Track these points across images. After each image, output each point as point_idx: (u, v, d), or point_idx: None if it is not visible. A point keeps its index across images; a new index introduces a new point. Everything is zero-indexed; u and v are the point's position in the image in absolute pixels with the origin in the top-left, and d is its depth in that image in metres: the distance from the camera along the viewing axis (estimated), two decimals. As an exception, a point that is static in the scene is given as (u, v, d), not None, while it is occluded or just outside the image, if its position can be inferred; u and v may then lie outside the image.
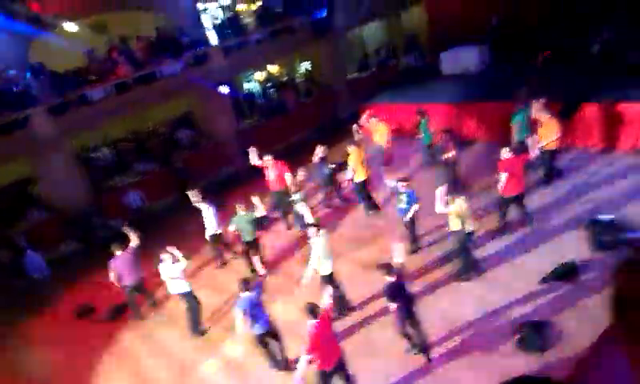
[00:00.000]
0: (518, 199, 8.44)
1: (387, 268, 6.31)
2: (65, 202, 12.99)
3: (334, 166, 11.45)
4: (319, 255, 7.38)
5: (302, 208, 9.93)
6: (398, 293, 6.29)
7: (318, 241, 7.38)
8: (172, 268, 8.06)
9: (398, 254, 6.49)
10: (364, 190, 10.63)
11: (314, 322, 5.61)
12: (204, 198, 10.06)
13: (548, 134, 9.22)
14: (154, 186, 14.23)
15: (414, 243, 8.82)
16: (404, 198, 8.47)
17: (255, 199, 9.32)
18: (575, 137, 10.74)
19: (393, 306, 6.28)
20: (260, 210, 9.22)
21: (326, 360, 5.69)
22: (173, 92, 14.74)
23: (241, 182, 14.24)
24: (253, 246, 9.37)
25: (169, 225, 13.06)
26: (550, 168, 9.72)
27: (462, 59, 15.67)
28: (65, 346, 9.35)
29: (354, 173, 10.43)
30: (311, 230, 7.54)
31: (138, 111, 14.69)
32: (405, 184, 8.42)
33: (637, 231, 7.39)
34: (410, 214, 8.48)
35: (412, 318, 6.44)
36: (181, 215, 12.94)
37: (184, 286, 8.22)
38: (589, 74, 11.56)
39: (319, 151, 11.06)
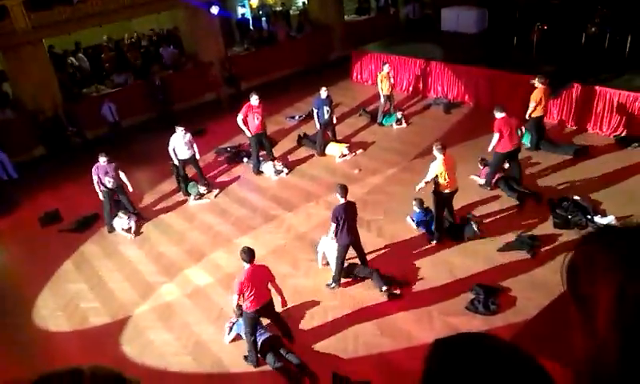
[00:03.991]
0: (512, 155, 8.59)
1: (343, 190, 6.56)
2: (37, 105, 12.50)
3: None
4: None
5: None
6: (342, 214, 6.51)
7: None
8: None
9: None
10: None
11: (247, 266, 5.67)
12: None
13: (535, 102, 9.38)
14: (129, 100, 13.71)
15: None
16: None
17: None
18: (557, 112, 10.88)
19: (332, 226, 6.52)
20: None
21: (253, 302, 5.74)
22: (159, 3, 13.99)
23: (223, 110, 13.89)
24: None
25: (138, 143, 12.72)
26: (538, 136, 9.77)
27: (461, 18, 15.47)
28: (26, 249, 9.28)
29: None
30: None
31: (120, 19, 13.96)
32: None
33: (599, 215, 7.66)
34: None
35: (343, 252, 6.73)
36: (152, 135, 12.57)
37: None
38: (582, 53, 11.61)
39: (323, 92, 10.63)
